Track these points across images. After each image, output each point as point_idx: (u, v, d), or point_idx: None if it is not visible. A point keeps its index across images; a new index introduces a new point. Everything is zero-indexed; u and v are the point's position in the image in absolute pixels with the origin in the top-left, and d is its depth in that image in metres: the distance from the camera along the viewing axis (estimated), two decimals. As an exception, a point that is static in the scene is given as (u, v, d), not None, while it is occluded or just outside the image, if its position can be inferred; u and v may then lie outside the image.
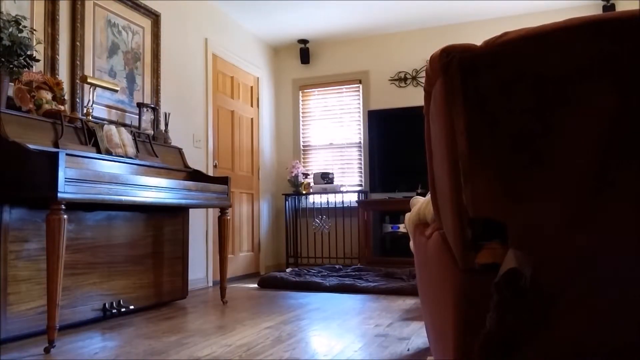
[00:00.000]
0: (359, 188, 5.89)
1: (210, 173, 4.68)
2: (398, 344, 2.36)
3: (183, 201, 3.19)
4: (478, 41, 0.86)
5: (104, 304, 3.00)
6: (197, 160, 4.53)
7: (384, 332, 2.61)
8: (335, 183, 5.79)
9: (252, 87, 5.74)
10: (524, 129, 0.82)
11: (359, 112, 6.00)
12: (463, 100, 0.82)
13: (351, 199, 5.78)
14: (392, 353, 2.20)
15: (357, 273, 4.71)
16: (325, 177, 5.75)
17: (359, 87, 6.01)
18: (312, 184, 5.83)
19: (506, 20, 5.38)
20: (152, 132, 3.74)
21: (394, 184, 5.58)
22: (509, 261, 0.79)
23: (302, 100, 6.26)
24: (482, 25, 5.46)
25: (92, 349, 2.34)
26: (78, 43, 3.38)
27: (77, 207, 2.83)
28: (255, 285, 4.60)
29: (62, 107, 2.91)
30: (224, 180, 3.68)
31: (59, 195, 2.28)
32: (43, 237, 2.44)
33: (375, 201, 5.56)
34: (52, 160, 2.29)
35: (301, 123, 6.24)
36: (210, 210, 4.65)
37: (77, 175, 2.39)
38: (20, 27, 2.65)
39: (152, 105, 3.89)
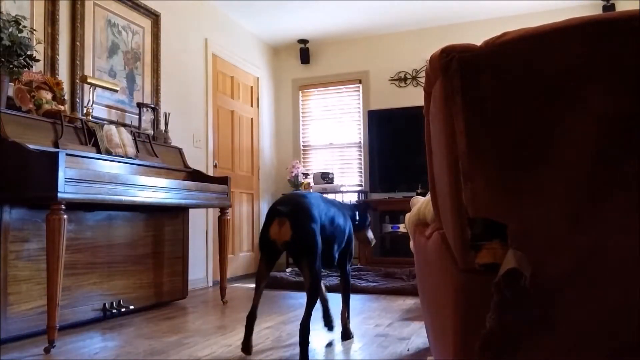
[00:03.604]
0: (359, 188, 5.89)
1: (210, 173, 4.68)
2: (398, 344, 2.36)
3: (183, 201, 3.19)
4: (478, 41, 0.86)
5: (104, 304, 3.00)
6: (197, 160, 4.53)
7: (384, 332, 2.61)
8: (335, 183, 5.78)
9: (252, 87, 5.74)
10: (523, 129, 0.82)
11: (359, 112, 6.00)
12: (463, 100, 0.82)
13: (351, 199, 5.77)
14: (392, 353, 2.20)
15: (357, 273, 4.70)
16: (325, 177, 5.75)
17: (358, 87, 6.01)
18: (312, 184, 5.82)
19: (506, 20, 5.38)
20: (152, 132, 3.74)
21: (394, 184, 5.58)
22: (509, 261, 0.79)
23: (302, 100, 6.26)
24: (482, 25, 5.45)
25: (92, 349, 2.34)
26: (78, 43, 3.38)
27: (77, 207, 2.82)
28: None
29: (62, 107, 2.90)
30: (223, 180, 3.68)
31: (59, 195, 2.28)
32: (43, 237, 2.44)
33: (375, 201, 5.56)
34: (52, 160, 2.29)
35: (301, 123, 6.24)
36: (210, 210, 4.64)
37: (77, 175, 2.39)
38: (20, 27, 2.65)
39: (152, 105, 3.89)
